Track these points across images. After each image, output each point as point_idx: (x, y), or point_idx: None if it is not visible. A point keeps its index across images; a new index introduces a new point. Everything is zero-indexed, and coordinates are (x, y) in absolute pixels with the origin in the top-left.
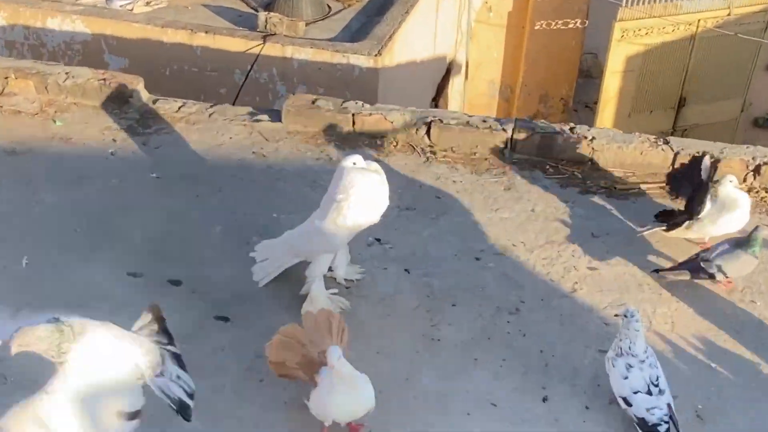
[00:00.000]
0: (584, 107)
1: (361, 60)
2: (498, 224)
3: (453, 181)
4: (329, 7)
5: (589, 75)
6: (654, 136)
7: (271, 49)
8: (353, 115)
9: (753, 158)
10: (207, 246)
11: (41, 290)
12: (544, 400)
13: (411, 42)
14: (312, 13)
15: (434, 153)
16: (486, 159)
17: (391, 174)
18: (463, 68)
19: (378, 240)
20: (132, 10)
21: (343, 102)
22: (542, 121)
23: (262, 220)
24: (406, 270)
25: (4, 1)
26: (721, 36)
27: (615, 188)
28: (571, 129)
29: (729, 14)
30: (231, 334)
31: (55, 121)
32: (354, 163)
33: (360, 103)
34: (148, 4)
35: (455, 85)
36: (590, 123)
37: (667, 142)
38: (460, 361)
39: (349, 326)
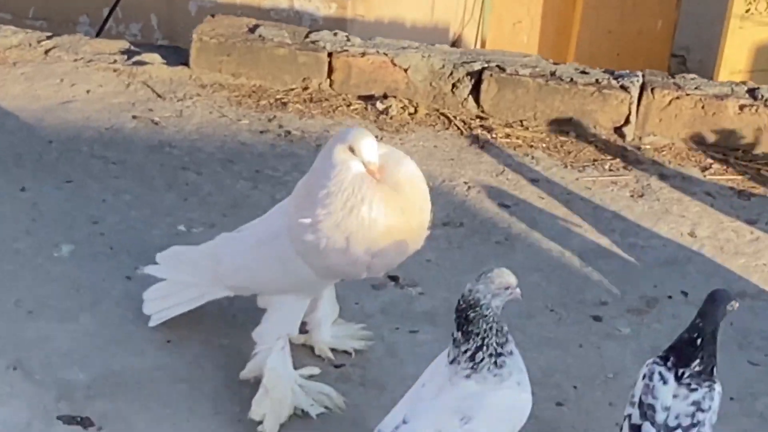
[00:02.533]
0: None
1: (316, 3)
2: (629, 256)
3: (530, 179)
4: None
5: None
6: None
7: None
8: (330, 55)
9: None
10: (45, 282)
11: None
12: None
13: None
14: None
15: (489, 129)
16: (590, 143)
17: None
18: None
19: (394, 279)
20: None
21: (311, 32)
22: (692, 75)
23: (155, 235)
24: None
25: None
26: None
27: None
28: (751, 91)
29: None
30: None
31: None
32: (354, 149)
33: (342, 34)
34: None
35: None
36: None
37: None
38: None
39: None
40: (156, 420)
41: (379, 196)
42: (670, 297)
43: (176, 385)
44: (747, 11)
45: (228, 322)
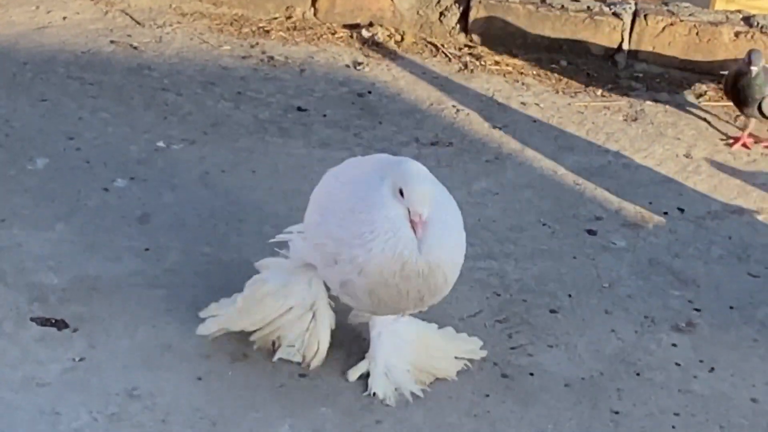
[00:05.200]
0: None
1: None
2: (623, 175)
3: (521, 103)
4: None
5: None
6: None
7: None
8: None
9: None
10: (18, 193)
11: None
12: None
13: None
14: None
15: (478, 57)
16: (582, 71)
17: (398, 86)
18: None
19: None
20: None
21: None
22: (686, 3)
23: (134, 150)
24: None
25: None
26: None
27: None
28: (746, 19)
29: None
30: (74, 351)
31: None
32: (403, 194)
33: None
34: None
35: None
36: None
37: None
38: (574, 413)
39: (340, 343)
40: (133, 322)
41: (383, 286)
42: (666, 213)
43: (155, 290)
44: None
45: (209, 231)
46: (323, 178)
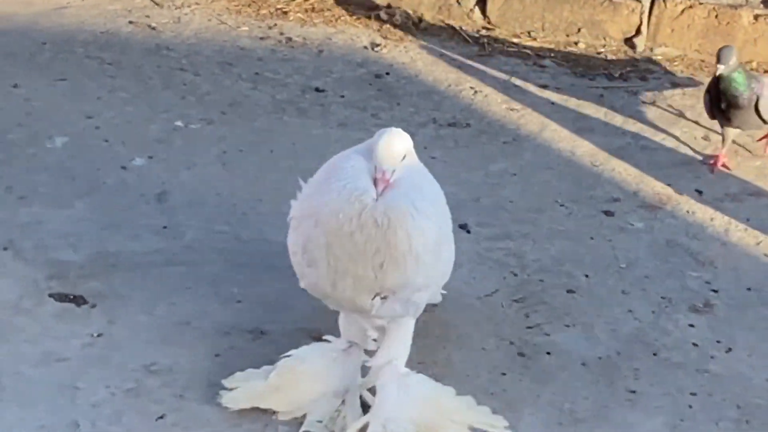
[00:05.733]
0: None
1: None
2: (641, 157)
3: (539, 86)
4: None
5: None
6: None
7: None
8: None
9: None
10: (38, 170)
11: None
12: None
13: None
14: None
15: (496, 40)
16: (600, 54)
17: (416, 67)
18: None
19: None
20: None
21: None
22: None
23: (152, 129)
24: (462, 227)
25: None
26: None
27: None
28: (765, 2)
29: None
30: (93, 327)
31: None
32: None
33: None
34: None
35: None
36: None
37: None
38: (590, 391)
39: None
40: (152, 298)
41: (339, 236)
42: (684, 195)
43: (173, 267)
44: None
45: (227, 210)
46: None
